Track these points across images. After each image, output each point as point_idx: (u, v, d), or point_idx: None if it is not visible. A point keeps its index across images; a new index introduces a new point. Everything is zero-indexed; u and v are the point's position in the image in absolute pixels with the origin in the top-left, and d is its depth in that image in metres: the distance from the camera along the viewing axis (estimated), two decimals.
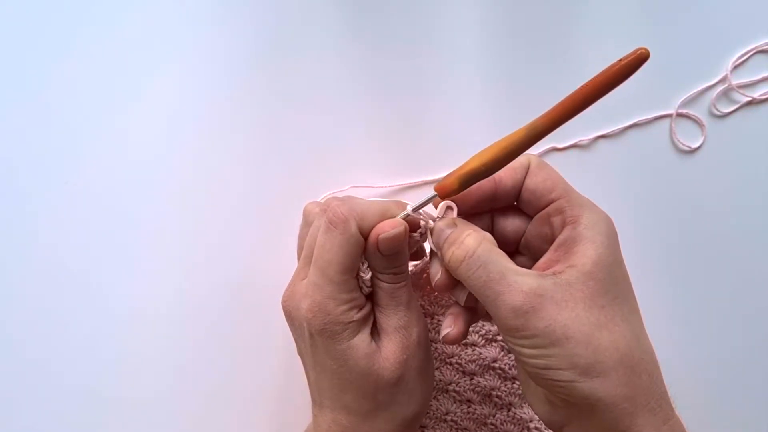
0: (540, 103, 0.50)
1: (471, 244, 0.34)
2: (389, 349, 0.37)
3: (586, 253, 0.33)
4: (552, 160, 0.50)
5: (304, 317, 0.36)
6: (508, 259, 0.34)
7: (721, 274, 0.50)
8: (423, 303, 0.46)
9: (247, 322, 0.49)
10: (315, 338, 0.36)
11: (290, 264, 0.40)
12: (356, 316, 0.36)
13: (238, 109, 0.51)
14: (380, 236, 0.35)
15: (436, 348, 0.47)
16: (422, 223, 0.37)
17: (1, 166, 0.50)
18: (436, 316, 0.46)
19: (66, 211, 0.50)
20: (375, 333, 0.38)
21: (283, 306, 0.38)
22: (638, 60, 0.29)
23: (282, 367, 0.49)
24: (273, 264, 0.49)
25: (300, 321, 0.37)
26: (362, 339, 0.36)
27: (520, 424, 0.46)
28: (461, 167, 0.34)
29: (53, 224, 0.50)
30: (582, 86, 0.31)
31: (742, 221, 0.50)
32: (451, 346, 0.47)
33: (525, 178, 0.37)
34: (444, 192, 0.35)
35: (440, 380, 0.46)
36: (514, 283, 0.32)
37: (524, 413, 0.46)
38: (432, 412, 0.46)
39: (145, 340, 0.49)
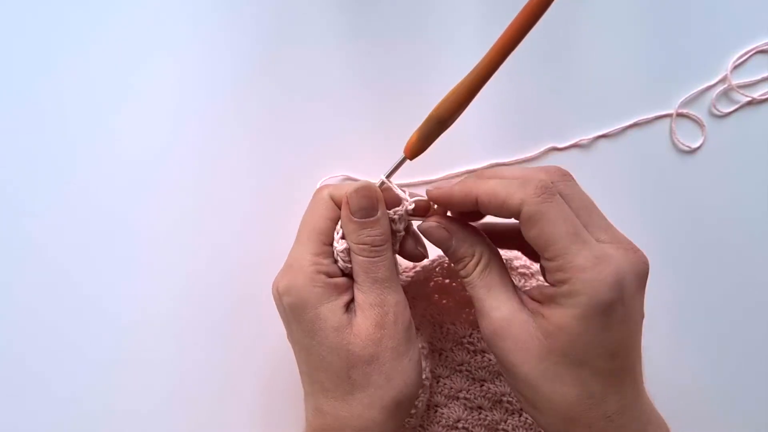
0: (540, 99, 0.51)
1: (470, 268, 0.36)
2: (362, 325, 0.36)
3: (555, 319, 0.33)
4: (552, 160, 0.50)
5: (277, 289, 0.37)
6: (500, 281, 0.36)
7: (721, 274, 0.50)
8: (431, 312, 0.46)
9: (248, 321, 0.49)
10: (288, 312, 0.37)
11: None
12: (323, 280, 0.36)
13: (238, 107, 0.51)
14: (349, 189, 0.37)
15: (447, 357, 0.47)
16: (403, 200, 0.38)
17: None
18: (444, 325, 0.46)
19: (66, 211, 0.50)
20: (352, 311, 0.37)
21: (271, 290, 0.38)
22: None
23: (283, 367, 0.49)
24: (273, 264, 0.49)
25: (276, 296, 0.37)
26: (332, 309, 0.36)
27: (532, 429, 0.46)
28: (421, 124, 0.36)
29: (52, 225, 0.50)
30: (513, 20, 0.33)
31: (742, 221, 0.50)
32: (460, 355, 0.46)
33: (519, 222, 0.34)
34: (408, 150, 0.37)
35: (451, 388, 0.46)
36: (489, 309, 0.35)
37: None
38: (444, 420, 0.46)
39: (146, 343, 0.49)
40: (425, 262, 0.43)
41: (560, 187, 0.34)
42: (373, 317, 0.36)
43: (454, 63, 0.51)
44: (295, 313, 0.36)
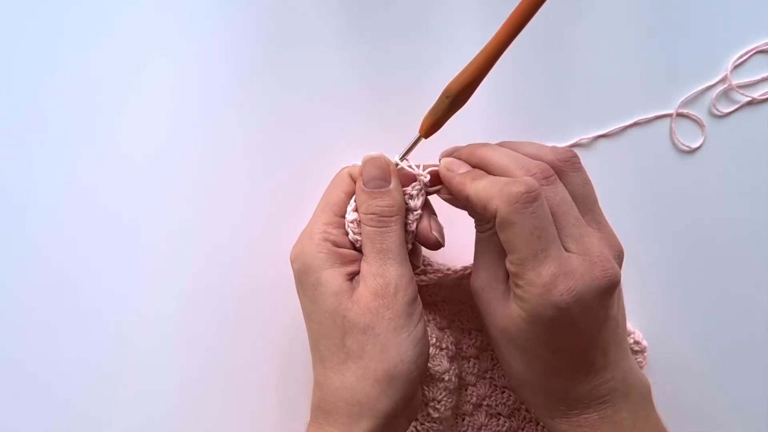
0: (540, 99, 0.51)
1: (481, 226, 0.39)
2: (361, 293, 0.36)
3: (508, 305, 0.36)
4: None
5: (291, 258, 0.39)
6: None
7: (720, 274, 0.50)
8: (461, 318, 0.46)
9: (251, 320, 0.49)
10: (296, 279, 0.38)
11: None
12: (328, 248, 0.37)
13: (239, 107, 0.50)
14: (363, 158, 0.38)
15: (475, 364, 0.47)
16: (418, 177, 0.39)
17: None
18: (472, 332, 0.47)
19: (66, 212, 0.50)
20: (356, 281, 0.37)
21: None
22: None
23: (287, 366, 0.49)
24: (275, 263, 0.49)
25: (291, 266, 0.39)
26: (333, 275, 0.36)
27: None
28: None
29: (52, 225, 0.50)
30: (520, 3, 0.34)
31: (742, 221, 0.50)
32: (485, 362, 0.47)
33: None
34: (423, 129, 0.38)
35: (477, 396, 0.46)
36: (477, 268, 0.39)
37: None
38: (469, 429, 0.46)
39: (148, 344, 0.49)
40: (457, 267, 0.43)
41: (546, 189, 0.35)
42: (373, 286, 0.36)
43: (455, 62, 0.50)
44: (300, 279, 0.38)
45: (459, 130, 0.50)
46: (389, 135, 0.50)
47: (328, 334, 0.36)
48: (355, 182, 0.39)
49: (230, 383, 0.49)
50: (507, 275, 0.36)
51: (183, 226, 0.50)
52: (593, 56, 0.51)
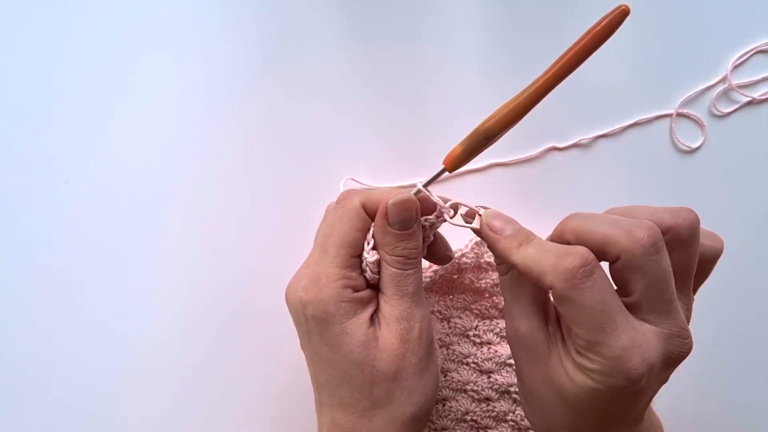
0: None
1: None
2: (387, 340, 0.35)
3: (568, 367, 0.33)
4: (552, 160, 0.51)
5: (299, 299, 0.36)
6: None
7: (720, 274, 0.50)
8: (439, 308, 0.47)
9: (254, 329, 0.49)
10: (310, 323, 0.36)
11: (295, 263, 0.40)
12: (350, 295, 0.35)
13: (241, 112, 0.51)
14: (389, 201, 0.35)
15: (453, 350, 0.47)
16: (438, 206, 0.36)
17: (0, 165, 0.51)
18: (452, 320, 0.47)
19: (66, 211, 0.50)
20: (376, 323, 0.36)
21: (285, 295, 0.37)
22: (621, 16, 0.31)
23: (291, 372, 0.49)
24: (278, 271, 0.49)
25: (296, 305, 0.36)
26: (358, 324, 0.35)
27: None
28: (465, 137, 0.35)
29: (53, 233, 0.50)
30: (572, 46, 0.33)
31: (741, 221, 0.50)
32: (466, 347, 0.47)
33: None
34: (450, 162, 0.35)
35: (459, 381, 0.46)
36: (514, 316, 0.35)
37: None
38: (452, 414, 0.46)
39: (151, 352, 0.49)
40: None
41: (644, 259, 0.31)
42: (399, 332, 0.35)
43: (456, 66, 0.51)
44: (319, 326, 0.35)
45: (459, 129, 0.51)
46: (392, 138, 0.51)
47: (354, 383, 0.35)
48: (369, 215, 0.37)
49: (236, 391, 0.49)
50: (544, 321, 0.34)
51: (185, 232, 0.50)
52: (593, 56, 0.51)
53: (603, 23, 0.30)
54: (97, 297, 0.50)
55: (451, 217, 0.37)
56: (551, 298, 0.34)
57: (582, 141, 0.51)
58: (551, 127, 0.51)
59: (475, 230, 0.36)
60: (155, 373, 0.49)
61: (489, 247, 0.36)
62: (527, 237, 0.34)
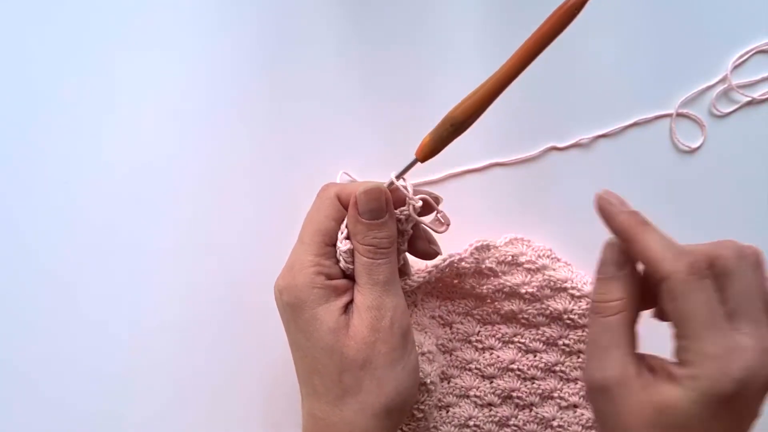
0: (540, 99, 0.51)
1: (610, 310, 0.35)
2: (357, 328, 0.36)
3: (671, 392, 0.32)
4: (552, 160, 0.51)
5: (277, 286, 0.37)
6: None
7: None
8: (440, 313, 0.46)
9: (255, 327, 0.49)
10: (286, 310, 0.37)
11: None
12: (323, 282, 0.36)
13: (241, 112, 0.51)
14: (358, 190, 0.36)
15: (456, 356, 0.47)
16: (408, 200, 0.37)
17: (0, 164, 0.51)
18: (453, 325, 0.47)
19: (65, 211, 0.50)
20: (350, 312, 0.37)
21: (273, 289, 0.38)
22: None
23: (290, 375, 0.49)
24: (273, 262, 0.49)
25: (275, 293, 0.37)
26: (330, 311, 0.36)
27: (543, 423, 0.46)
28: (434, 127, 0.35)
29: (51, 225, 0.50)
30: (537, 30, 0.33)
31: (742, 221, 0.50)
32: (468, 353, 0.46)
33: (658, 292, 0.34)
34: (420, 152, 0.36)
35: (462, 387, 0.47)
36: (600, 361, 0.34)
37: (546, 412, 0.46)
38: (456, 420, 0.46)
39: (151, 351, 0.49)
40: (437, 261, 0.43)
41: (721, 268, 0.33)
42: (369, 320, 0.36)
43: (455, 66, 0.51)
44: (293, 313, 0.36)
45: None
46: (393, 138, 0.50)
47: (324, 370, 0.36)
48: (344, 206, 0.38)
49: (237, 389, 0.50)
50: (639, 368, 0.34)
51: (185, 231, 0.50)
52: (593, 56, 0.51)
53: (568, 4, 0.31)
54: (96, 297, 0.50)
55: (419, 214, 0.38)
56: (661, 295, 0.33)
57: (582, 141, 0.51)
58: (551, 127, 0.51)
59: (600, 210, 0.37)
60: (155, 372, 0.49)
61: (605, 218, 0.36)
62: (650, 223, 0.35)
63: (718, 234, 0.50)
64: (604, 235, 0.52)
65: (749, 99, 0.50)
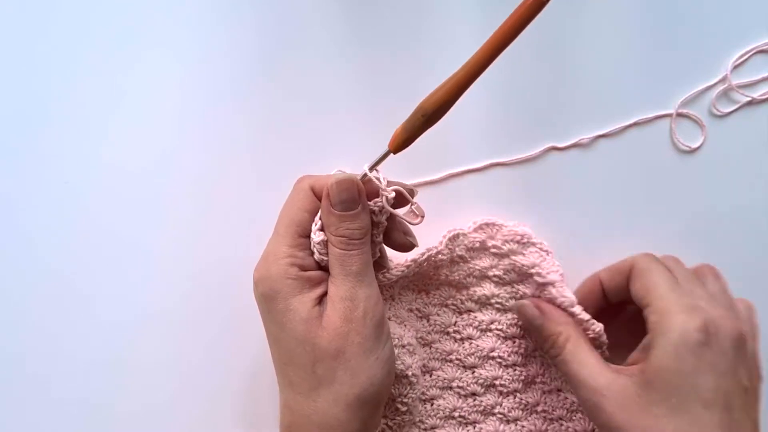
0: (540, 99, 0.51)
1: (560, 345, 0.40)
2: (330, 319, 0.36)
3: (652, 362, 0.36)
4: (552, 160, 0.51)
5: (253, 278, 0.37)
6: (590, 354, 0.39)
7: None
8: (417, 306, 0.47)
9: (249, 324, 0.49)
10: (262, 301, 0.37)
11: None
12: (296, 273, 0.36)
13: (239, 111, 0.51)
14: (330, 181, 0.36)
15: (436, 348, 0.47)
16: (381, 192, 0.37)
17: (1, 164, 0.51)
18: (431, 317, 0.47)
19: (65, 211, 0.50)
20: (324, 303, 0.37)
21: None
22: None
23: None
24: None
25: (253, 287, 0.38)
26: (303, 302, 0.36)
27: (527, 409, 0.46)
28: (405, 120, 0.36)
29: (51, 225, 0.50)
30: (506, 20, 0.33)
31: (742, 221, 0.50)
32: (448, 344, 0.47)
33: (629, 283, 0.42)
34: (394, 144, 0.36)
35: (444, 378, 0.47)
36: (587, 379, 0.38)
37: (530, 397, 0.46)
38: (441, 412, 0.46)
39: (147, 346, 0.49)
40: (415, 255, 0.43)
41: (670, 263, 0.43)
42: (342, 310, 0.36)
43: (453, 66, 0.49)
44: (267, 304, 0.37)
45: (458, 129, 0.51)
46: (387, 137, 0.50)
47: (298, 361, 0.36)
48: (318, 197, 0.38)
49: (232, 386, 0.50)
50: (612, 368, 0.39)
51: (182, 229, 0.50)
52: (593, 56, 0.51)
53: None
54: (96, 297, 0.50)
55: (393, 206, 0.38)
56: (629, 281, 0.42)
57: (582, 141, 0.51)
58: (551, 127, 0.51)
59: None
60: (155, 372, 0.49)
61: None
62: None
63: (718, 234, 0.51)
64: (603, 235, 0.53)
65: (749, 99, 0.50)
